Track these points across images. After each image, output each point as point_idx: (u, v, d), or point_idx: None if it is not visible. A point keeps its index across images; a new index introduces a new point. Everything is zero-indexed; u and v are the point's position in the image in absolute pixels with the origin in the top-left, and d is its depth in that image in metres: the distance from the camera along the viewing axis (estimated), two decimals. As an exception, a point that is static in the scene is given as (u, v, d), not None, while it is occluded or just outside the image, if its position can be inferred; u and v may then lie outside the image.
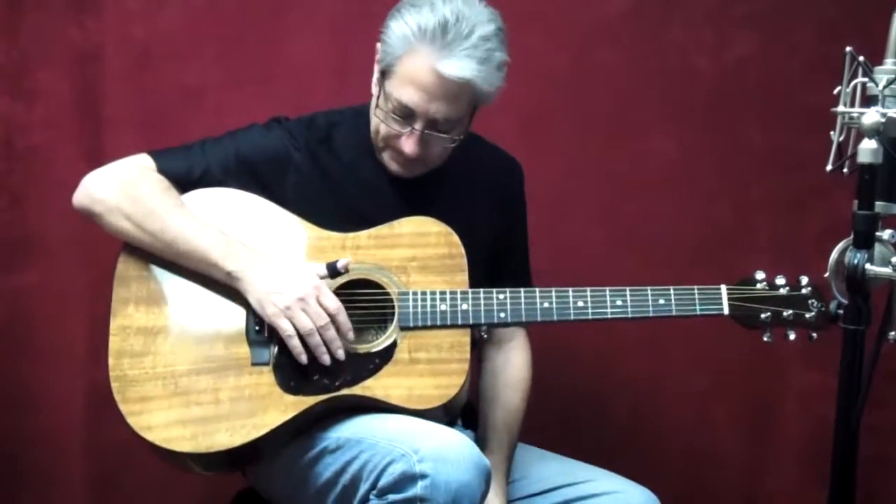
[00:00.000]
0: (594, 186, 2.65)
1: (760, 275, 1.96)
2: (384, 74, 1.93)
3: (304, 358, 1.86)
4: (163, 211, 1.91)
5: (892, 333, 1.50)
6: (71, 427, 2.51)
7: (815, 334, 1.96)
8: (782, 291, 1.95)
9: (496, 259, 2.11)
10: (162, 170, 1.96)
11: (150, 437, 1.84)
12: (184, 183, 1.97)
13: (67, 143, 2.53)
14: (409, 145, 1.92)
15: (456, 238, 1.95)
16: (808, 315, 1.94)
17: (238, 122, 2.05)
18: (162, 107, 2.53)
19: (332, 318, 1.87)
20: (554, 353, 2.56)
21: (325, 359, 1.87)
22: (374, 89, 1.98)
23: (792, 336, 1.96)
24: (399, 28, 1.88)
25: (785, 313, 1.94)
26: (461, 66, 1.86)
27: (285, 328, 1.85)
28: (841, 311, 1.50)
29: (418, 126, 1.90)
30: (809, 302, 1.95)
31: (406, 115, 1.91)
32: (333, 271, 1.90)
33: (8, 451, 2.58)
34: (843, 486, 1.51)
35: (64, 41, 2.51)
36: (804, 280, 1.96)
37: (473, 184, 2.08)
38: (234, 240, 1.91)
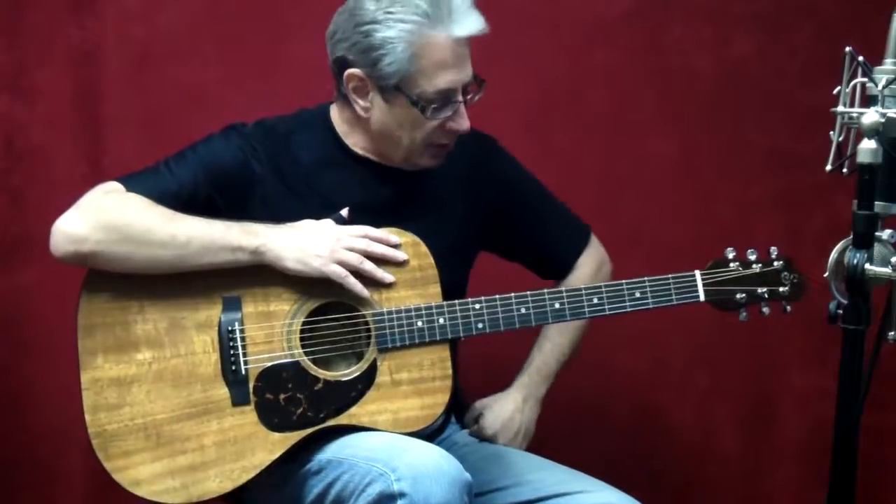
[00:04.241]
0: (594, 186, 2.64)
1: (731, 253, 1.97)
2: (399, 86, 1.88)
3: (366, 293, 1.86)
4: (162, 220, 1.85)
5: (892, 333, 1.50)
6: (70, 427, 2.50)
7: (789, 306, 1.98)
8: (755, 268, 1.96)
9: (511, 235, 2.12)
10: (134, 193, 1.89)
11: (139, 492, 1.82)
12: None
13: (67, 143, 2.53)
14: (463, 122, 1.93)
15: (424, 248, 1.91)
16: (781, 289, 1.96)
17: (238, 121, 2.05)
18: (162, 106, 2.52)
19: (367, 237, 1.88)
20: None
21: (388, 277, 1.88)
22: (376, 105, 1.93)
23: (766, 310, 1.97)
24: (396, 32, 1.85)
25: (759, 290, 1.96)
26: (472, 22, 1.88)
27: (339, 271, 1.84)
28: (840, 312, 1.50)
29: (460, 98, 1.92)
30: (782, 276, 1.96)
31: (448, 98, 1.91)
32: (340, 220, 1.90)
33: (7, 450, 2.58)
34: (842, 486, 1.51)
35: (63, 40, 2.51)
36: (774, 252, 1.98)
37: (445, 173, 2.05)
38: (241, 221, 1.88)
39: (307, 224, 1.89)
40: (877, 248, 1.48)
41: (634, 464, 2.62)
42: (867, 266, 1.45)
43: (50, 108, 2.52)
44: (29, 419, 2.58)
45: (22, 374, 2.56)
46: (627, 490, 1.94)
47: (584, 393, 2.69)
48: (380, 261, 1.89)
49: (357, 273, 1.87)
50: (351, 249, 1.87)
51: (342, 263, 1.85)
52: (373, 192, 1.99)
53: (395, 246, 1.90)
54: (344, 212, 1.92)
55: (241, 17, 2.54)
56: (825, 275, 1.53)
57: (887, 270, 1.45)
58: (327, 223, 1.90)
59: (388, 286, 1.90)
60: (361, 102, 1.94)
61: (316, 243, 1.85)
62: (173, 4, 2.54)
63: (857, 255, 1.46)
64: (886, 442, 2.65)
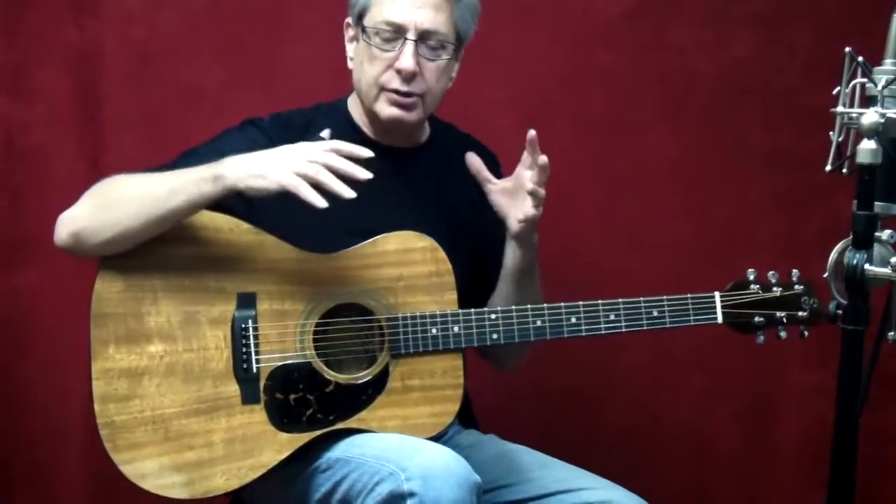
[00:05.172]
0: (594, 186, 2.65)
1: (752, 275, 1.96)
2: (361, 17, 1.96)
3: (321, 203, 1.74)
4: (139, 179, 1.84)
5: (891, 334, 1.50)
6: (70, 427, 2.51)
7: (807, 331, 1.96)
8: (776, 292, 1.95)
9: (483, 257, 2.08)
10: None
11: (144, 485, 1.82)
12: None
13: (67, 143, 2.52)
14: (405, 59, 1.92)
15: (442, 253, 1.91)
16: (801, 314, 1.95)
17: (238, 121, 2.04)
18: (162, 107, 2.52)
19: (336, 151, 1.79)
20: (551, 351, 2.55)
21: (347, 192, 1.75)
22: (353, 51, 2.00)
23: (783, 335, 1.96)
24: None
25: (778, 314, 1.95)
26: None
27: (291, 180, 1.74)
28: (840, 312, 1.50)
29: (410, 36, 1.92)
30: (802, 300, 1.95)
31: (395, 30, 1.92)
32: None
33: (7, 450, 2.57)
34: (842, 486, 1.51)
35: (63, 41, 2.50)
36: (795, 276, 1.96)
37: (457, 174, 2.05)
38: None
39: (281, 146, 1.84)
40: (876, 248, 1.48)
41: (634, 463, 2.62)
42: (867, 266, 1.45)
43: (50, 109, 2.51)
44: (28, 419, 2.57)
45: (21, 374, 2.56)
46: (627, 489, 1.94)
47: (584, 391, 2.69)
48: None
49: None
50: (313, 162, 1.78)
51: (299, 174, 1.76)
52: (388, 181, 1.97)
53: (368, 160, 1.80)
54: (325, 133, 1.87)
55: (240, 17, 2.54)
56: (825, 275, 1.54)
57: (887, 271, 1.45)
58: (302, 143, 1.84)
59: (404, 291, 1.89)
60: (350, 53, 2.01)
61: (277, 158, 1.79)
62: (173, 5, 2.53)
63: (857, 255, 1.46)
64: (886, 442, 2.64)
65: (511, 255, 2.01)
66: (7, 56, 2.51)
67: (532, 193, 1.92)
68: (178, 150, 1.97)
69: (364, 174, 1.78)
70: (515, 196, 1.96)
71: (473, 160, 1.98)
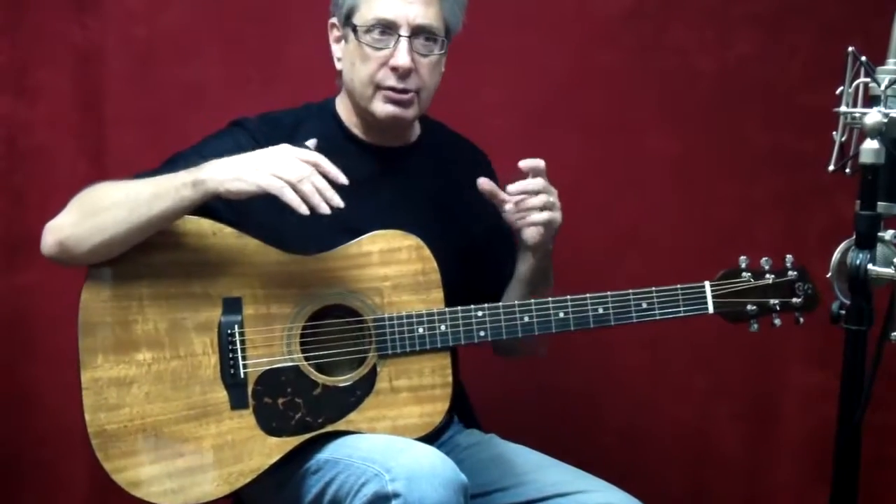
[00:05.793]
0: (595, 186, 2.64)
1: (744, 262, 1.93)
2: (349, 17, 1.95)
3: (304, 209, 1.75)
4: (121, 185, 1.85)
5: (894, 334, 1.50)
6: (71, 427, 2.48)
7: (801, 318, 1.94)
8: (768, 279, 1.93)
9: (477, 257, 2.07)
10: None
11: (137, 493, 1.82)
12: None
13: (70, 143, 2.52)
14: (401, 56, 1.91)
15: (427, 251, 1.90)
16: (795, 300, 1.92)
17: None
18: (164, 106, 2.52)
19: (317, 166, 1.78)
20: (550, 350, 2.56)
21: (324, 207, 1.76)
22: (341, 51, 2.00)
23: (777, 322, 1.93)
24: None
25: (772, 302, 1.92)
26: None
27: (274, 183, 1.75)
28: (843, 312, 1.50)
29: (403, 32, 1.91)
30: (796, 286, 1.93)
31: (388, 27, 1.92)
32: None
33: (8, 451, 2.58)
34: (845, 487, 1.52)
35: (65, 40, 2.51)
36: (789, 261, 1.94)
37: (448, 174, 2.06)
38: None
39: (262, 149, 1.83)
40: (879, 248, 1.48)
41: (633, 464, 2.62)
42: (870, 266, 1.46)
43: (52, 108, 2.52)
44: (31, 420, 2.57)
45: (24, 374, 2.56)
46: (628, 490, 1.94)
47: (585, 391, 2.69)
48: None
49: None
50: (294, 170, 1.77)
51: (281, 176, 1.76)
52: (378, 180, 1.98)
53: (344, 186, 1.79)
54: (310, 143, 1.85)
55: (243, 17, 2.54)
56: (828, 275, 1.54)
57: (890, 271, 1.45)
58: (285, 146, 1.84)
59: (390, 291, 1.88)
60: (337, 54, 2.00)
61: (256, 161, 1.78)
62: (175, 5, 2.54)
63: (860, 255, 1.46)
64: (888, 441, 2.65)
65: (524, 262, 2.01)
66: (9, 55, 2.51)
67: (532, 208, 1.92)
68: (180, 149, 1.97)
69: (337, 202, 1.78)
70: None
71: (486, 186, 1.92)
